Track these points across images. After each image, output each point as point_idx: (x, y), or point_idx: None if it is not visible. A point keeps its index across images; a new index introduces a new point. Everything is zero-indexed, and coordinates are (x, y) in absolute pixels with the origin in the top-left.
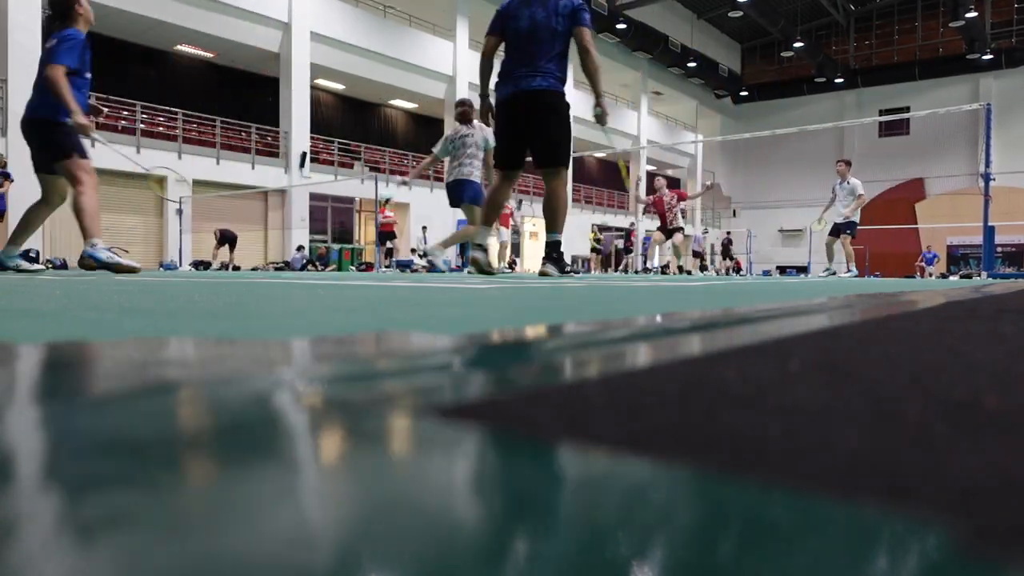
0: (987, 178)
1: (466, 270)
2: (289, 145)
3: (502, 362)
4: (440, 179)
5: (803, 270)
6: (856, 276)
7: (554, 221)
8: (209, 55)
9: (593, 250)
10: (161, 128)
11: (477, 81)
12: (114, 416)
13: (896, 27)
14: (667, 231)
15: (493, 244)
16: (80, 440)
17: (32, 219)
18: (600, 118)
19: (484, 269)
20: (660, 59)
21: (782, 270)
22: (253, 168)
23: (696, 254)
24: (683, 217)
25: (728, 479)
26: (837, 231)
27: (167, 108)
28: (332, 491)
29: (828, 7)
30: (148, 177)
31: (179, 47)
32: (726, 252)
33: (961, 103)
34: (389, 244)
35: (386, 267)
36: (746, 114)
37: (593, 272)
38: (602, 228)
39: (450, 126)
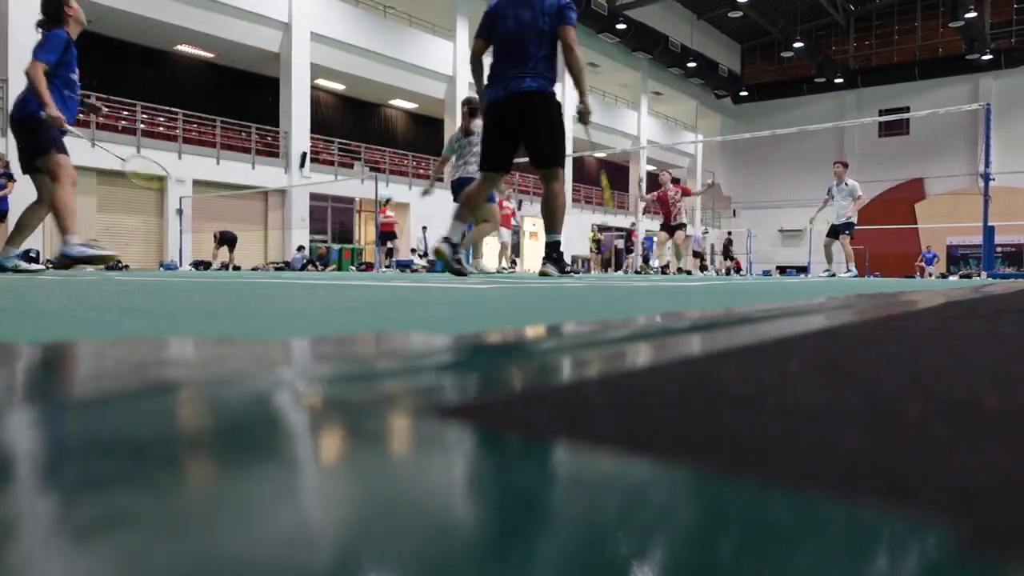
0: (987, 178)
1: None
2: (289, 145)
3: (502, 362)
4: (440, 179)
5: (803, 270)
6: (856, 276)
7: (553, 221)
8: (209, 55)
9: (594, 241)
10: (161, 128)
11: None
12: (114, 416)
13: (896, 27)
14: (670, 228)
15: (494, 244)
16: (80, 440)
17: (29, 220)
18: (583, 116)
19: (451, 266)
20: (660, 59)
21: (782, 270)
22: (253, 168)
23: (696, 254)
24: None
25: (728, 479)
26: (835, 232)
27: (167, 108)
28: (332, 491)
29: (828, 7)
30: (138, 175)
31: (179, 47)
32: (727, 252)
33: (961, 103)
34: (390, 244)
35: (386, 267)
36: (746, 114)
37: (593, 272)
38: (602, 228)
39: (450, 126)
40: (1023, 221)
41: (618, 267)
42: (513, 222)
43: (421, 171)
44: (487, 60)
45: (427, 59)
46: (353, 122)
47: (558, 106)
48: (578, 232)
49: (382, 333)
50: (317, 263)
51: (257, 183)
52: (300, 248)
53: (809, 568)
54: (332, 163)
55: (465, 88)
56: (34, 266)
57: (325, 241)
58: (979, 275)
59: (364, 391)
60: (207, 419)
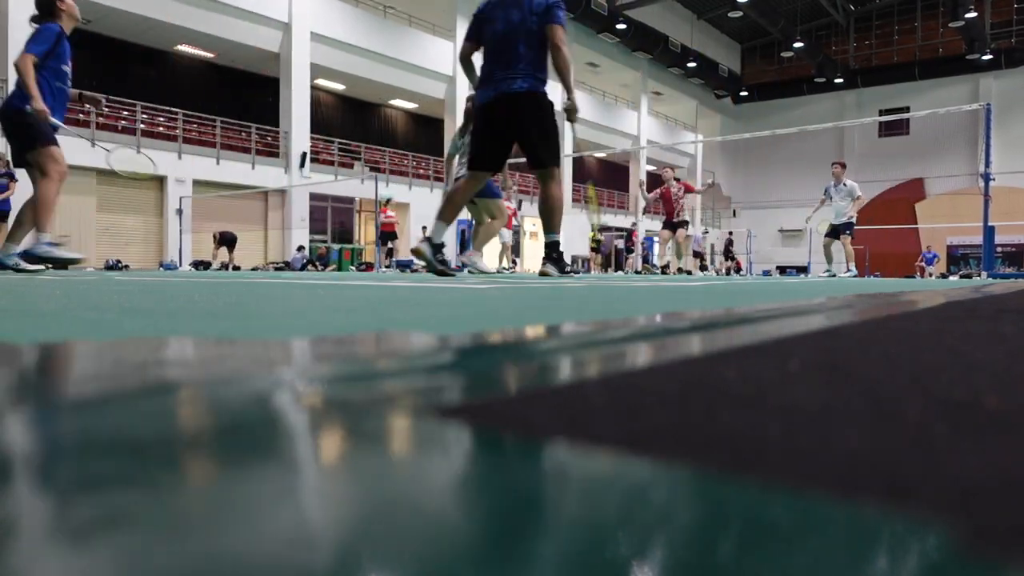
0: (987, 178)
1: (466, 270)
2: (289, 145)
3: (502, 362)
4: (440, 179)
5: (803, 270)
6: (856, 276)
7: (551, 222)
8: (209, 55)
9: (595, 240)
10: (161, 128)
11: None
12: (114, 416)
13: (896, 27)
14: (673, 225)
15: (494, 245)
16: (80, 440)
17: (27, 215)
18: (570, 113)
19: (434, 266)
20: (660, 59)
21: (782, 270)
22: (253, 168)
23: (696, 254)
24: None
25: (728, 479)
26: (835, 232)
27: (167, 108)
28: (332, 491)
29: (828, 7)
30: (125, 171)
31: (179, 47)
32: (728, 252)
33: (961, 103)
34: (390, 244)
35: (386, 267)
36: (746, 114)
37: (593, 272)
38: (602, 228)
39: (450, 126)
40: (1023, 221)
41: (618, 267)
42: (514, 222)
43: (421, 171)
44: (478, 62)
45: (427, 59)
46: (353, 122)
47: (550, 106)
48: (578, 232)
49: (382, 333)
50: (317, 263)
51: (257, 183)
52: (300, 248)
53: (809, 568)
54: (332, 163)
55: (465, 88)
56: (34, 266)
57: (325, 241)
58: (979, 275)
59: (364, 391)
60: (207, 419)
